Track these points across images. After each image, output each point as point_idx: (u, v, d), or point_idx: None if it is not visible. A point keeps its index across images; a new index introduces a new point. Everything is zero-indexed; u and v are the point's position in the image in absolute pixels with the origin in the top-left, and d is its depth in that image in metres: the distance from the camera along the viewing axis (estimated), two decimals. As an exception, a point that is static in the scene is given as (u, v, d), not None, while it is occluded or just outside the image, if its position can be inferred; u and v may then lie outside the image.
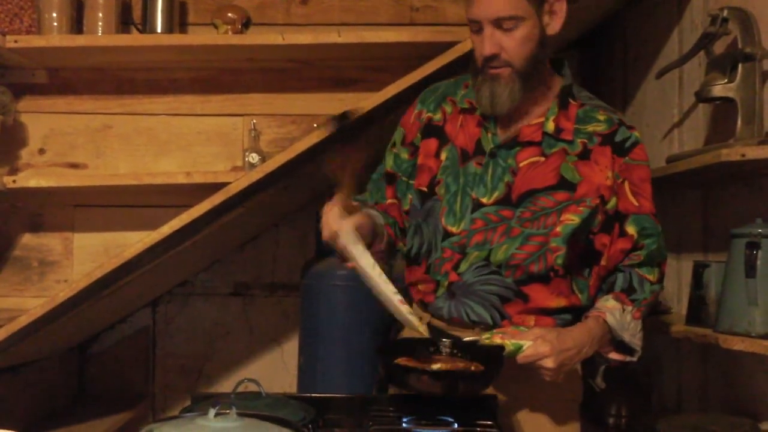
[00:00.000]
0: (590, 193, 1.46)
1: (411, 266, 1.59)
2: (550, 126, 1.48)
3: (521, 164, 1.48)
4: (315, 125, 2.12)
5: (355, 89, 2.18)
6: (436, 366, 1.29)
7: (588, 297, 1.53)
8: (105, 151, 2.22)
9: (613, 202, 1.49)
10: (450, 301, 1.51)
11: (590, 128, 1.49)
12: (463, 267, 1.49)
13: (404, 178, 1.60)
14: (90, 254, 2.19)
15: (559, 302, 1.51)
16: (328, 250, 1.96)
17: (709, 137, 1.99)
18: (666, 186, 2.15)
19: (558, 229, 1.46)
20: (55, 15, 2.07)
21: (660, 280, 1.54)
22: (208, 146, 2.23)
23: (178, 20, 2.19)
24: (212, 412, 1.07)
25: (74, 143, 2.21)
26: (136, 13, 2.21)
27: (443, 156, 1.54)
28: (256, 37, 2.10)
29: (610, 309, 1.44)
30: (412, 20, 2.41)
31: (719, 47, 1.81)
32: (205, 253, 2.55)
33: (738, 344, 1.52)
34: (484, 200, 1.49)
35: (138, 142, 2.23)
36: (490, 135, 1.51)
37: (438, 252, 1.52)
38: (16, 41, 2.00)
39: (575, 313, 1.54)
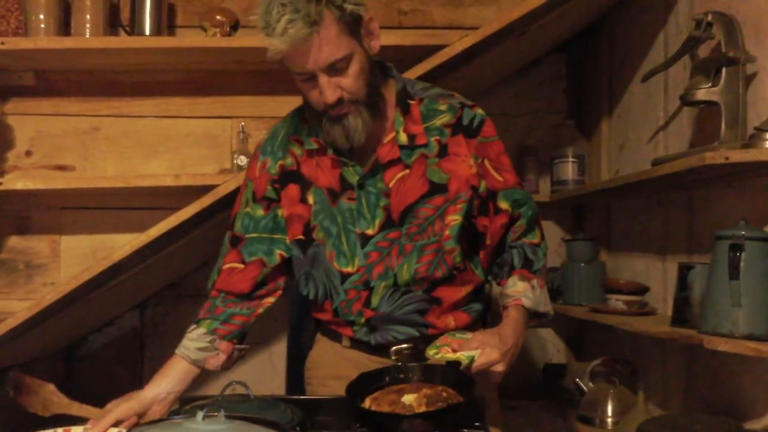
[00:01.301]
0: (462, 187, 1.49)
1: (316, 308, 1.59)
2: (403, 137, 1.47)
3: (390, 184, 1.47)
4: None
5: (343, 92, 2.18)
6: (407, 398, 1.28)
7: (483, 270, 1.59)
8: (93, 154, 2.21)
9: (483, 185, 1.51)
10: (373, 333, 1.53)
11: (438, 122, 1.49)
12: (374, 301, 1.50)
13: (264, 235, 1.53)
14: (77, 257, 2.18)
15: (466, 290, 1.55)
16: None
17: (694, 140, 2.01)
18: (652, 188, 2.18)
19: (447, 232, 1.48)
20: (42, 17, 2.06)
21: (542, 236, 1.62)
22: (196, 148, 2.22)
23: (166, 22, 2.19)
24: (200, 414, 1.07)
25: (62, 145, 2.21)
26: (124, 15, 2.21)
27: (311, 200, 1.50)
28: (244, 40, 2.10)
29: (523, 292, 1.51)
30: (400, 23, 2.42)
31: (704, 51, 1.83)
32: (193, 255, 2.54)
33: (722, 345, 1.54)
34: (369, 232, 1.48)
35: (126, 145, 2.23)
36: (351, 168, 1.48)
37: (341, 295, 1.51)
38: (2, 43, 1.99)
39: (480, 295, 1.60)
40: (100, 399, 2.52)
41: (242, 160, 2.06)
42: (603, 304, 2.29)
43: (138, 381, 2.63)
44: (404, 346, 1.48)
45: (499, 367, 1.37)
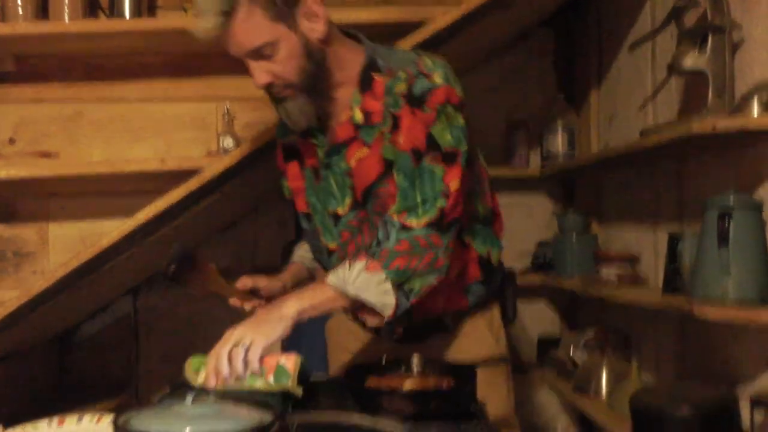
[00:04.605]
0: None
1: None
2: (358, 116, 1.40)
3: (352, 164, 1.43)
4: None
5: (328, 70, 2.16)
6: (407, 385, 1.27)
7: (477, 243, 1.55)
8: (78, 139, 2.19)
9: None
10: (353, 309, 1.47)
11: (396, 93, 1.38)
12: None
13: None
14: (66, 244, 2.17)
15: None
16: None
17: (682, 109, 2.00)
18: (641, 159, 2.17)
19: None
20: (19, 2, 2.03)
21: (429, 223, 1.33)
22: (182, 132, 2.20)
23: (146, 4, 2.16)
24: (189, 398, 1.07)
25: (46, 132, 2.18)
26: (104, -2, 2.18)
27: (305, 176, 1.53)
28: (226, 20, 2.07)
29: (336, 269, 1.34)
30: (384, -1, 2.39)
31: (690, 19, 1.82)
32: (184, 238, 2.53)
33: (712, 313, 1.55)
34: (340, 211, 1.47)
35: (111, 129, 2.20)
36: (321, 147, 1.47)
37: (332, 270, 1.48)
38: (-20, 29, 1.96)
39: (479, 270, 1.55)
40: (95, 385, 2.53)
41: (229, 142, 2.05)
42: (595, 276, 2.29)
43: (133, 367, 2.63)
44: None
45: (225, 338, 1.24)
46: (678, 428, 1.63)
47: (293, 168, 1.55)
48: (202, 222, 2.42)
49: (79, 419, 1.39)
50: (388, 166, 1.39)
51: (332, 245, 1.51)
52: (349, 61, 1.41)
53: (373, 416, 1.06)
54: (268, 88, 1.37)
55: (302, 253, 1.67)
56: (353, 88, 1.41)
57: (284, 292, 1.51)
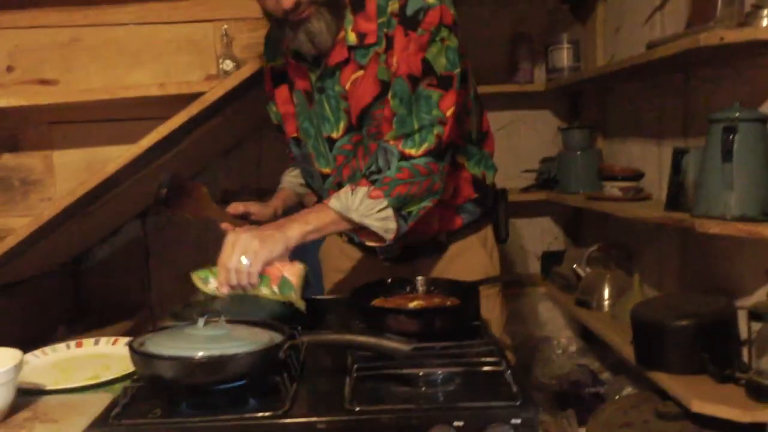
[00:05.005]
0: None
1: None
2: (351, 37, 1.38)
3: (347, 86, 1.42)
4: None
5: (327, -13, 2.10)
6: (412, 304, 1.30)
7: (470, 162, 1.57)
8: (75, 66, 2.15)
9: None
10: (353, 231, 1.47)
11: (389, 12, 1.35)
12: None
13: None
14: (72, 171, 2.17)
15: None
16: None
17: (691, 19, 1.95)
18: (647, 72, 2.13)
19: None
20: (7, -77, 1.96)
21: (428, 152, 1.33)
22: (180, 55, 2.16)
23: None
24: (201, 321, 1.10)
25: (43, 59, 2.14)
26: None
27: (295, 100, 1.51)
28: (220, -64, 2.01)
29: (338, 194, 1.33)
30: None
31: (701, -76, 1.75)
32: (189, 162, 2.54)
33: (714, 227, 1.56)
34: (334, 135, 1.47)
35: (108, 55, 2.16)
36: (312, 71, 1.45)
37: (325, 195, 1.53)
38: (-32, -46, 1.90)
39: (474, 190, 1.57)
40: (110, 307, 2.60)
41: (227, 65, 2.01)
42: (599, 192, 2.30)
43: (146, 288, 2.70)
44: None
45: (228, 246, 1.23)
46: (677, 339, 1.67)
47: (282, 92, 1.54)
48: (205, 145, 2.42)
49: (96, 342, 1.44)
50: (384, 87, 1.38)
51: (326, 170, 1.52)
52: None
53: (379, 335, 1.09)
54: (291, 12, 1.33)
55: (291, 178, 1.69)
56: (345, 8, 1.39)
57: (275, 217, 1.54)
